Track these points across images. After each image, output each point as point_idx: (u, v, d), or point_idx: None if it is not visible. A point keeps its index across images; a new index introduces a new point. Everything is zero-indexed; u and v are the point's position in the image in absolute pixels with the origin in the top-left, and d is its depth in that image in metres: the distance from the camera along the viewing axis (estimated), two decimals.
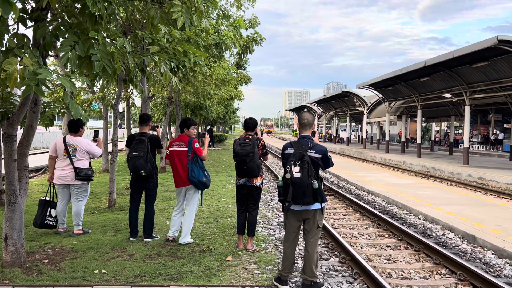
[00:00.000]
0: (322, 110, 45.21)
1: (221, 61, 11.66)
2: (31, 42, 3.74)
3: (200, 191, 5.67)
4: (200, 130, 29.86)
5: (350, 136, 41.47)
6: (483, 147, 30.35)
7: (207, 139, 5.80)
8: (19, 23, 3.70)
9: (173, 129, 29.10)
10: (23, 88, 3.15)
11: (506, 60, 14.75)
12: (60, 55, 3.68)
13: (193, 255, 5.12)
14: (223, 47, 8.92)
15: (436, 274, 5.07)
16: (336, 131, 46.87)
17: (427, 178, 14.76)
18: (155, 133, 6.24)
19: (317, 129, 55.44)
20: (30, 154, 4.95)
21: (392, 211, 8.88)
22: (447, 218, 7.65)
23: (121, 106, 22.65)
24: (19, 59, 3.18)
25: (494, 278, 4.59)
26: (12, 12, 2.87)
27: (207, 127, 36.23)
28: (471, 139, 26.62)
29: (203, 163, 5.58)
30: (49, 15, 3.98)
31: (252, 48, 10.01)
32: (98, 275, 4.35)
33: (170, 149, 5.60)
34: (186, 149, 5.47)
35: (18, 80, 3.05)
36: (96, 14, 3.58)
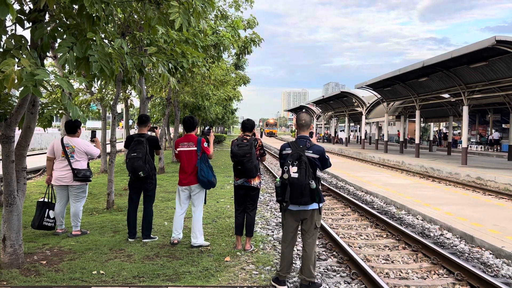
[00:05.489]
0: (320, 110, 45.24)
1: (219, 61, 11.65)
2: (29, 43, 3.74)
3: (205, 190, 5.67)
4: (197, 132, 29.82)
5: (349, 136, 41.50)
6: (481, 147, 30.42)
7: (211, 137, 5.82)
8: (17, 24, 3.70)
9: (171, 129, 29.11)
10: (21, 89, 3.15)
11: (504, 60, 14.78)
12: (58, 56, 3.68)
13: (191, 256, 5.13)
14: (221, 48, 8.91)
15: (434, 274, 5.08)
16: (335, 131, 46.91)
17: (425, 178, 14.79)
18: (153, 134, 6.24)
19: (316, 130, 55.48)
20: (28, 155, 4.95)
21: (390, 211, 8.90)
22: (445, 218, 7.67)
23: (120, 107, 22.67)
24: (17, 60, 3.19)
25: (491, 278, 4.60)
26: (9, 13, 2.87)
27: (207, 127, 36.23)
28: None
29: (209, 162, 5.59)
30: (46, 16, 3.99)
31: (250, 49, 10.01)
32: (96, 276, 4.36)
33: (178, 149, 5.60)
34: (195, 148, 5.48)
35: (16, 81, 3.05)
36: (94, 15, 3.59)
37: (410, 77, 20.50)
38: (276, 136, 79.96)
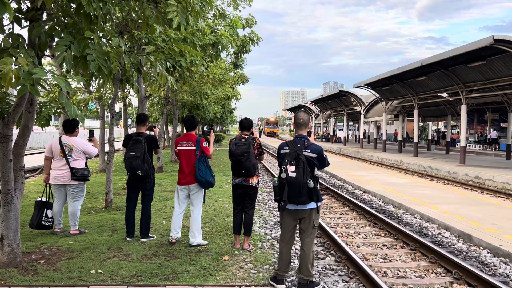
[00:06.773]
0: (319, 109, 45.25)
1: (218, 60, 11.65)
2: (26, 42, 3.73)
3: (203, 189, 5.66)
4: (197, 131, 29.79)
5: (347, 135, 41.55)
6: (479, 146, 30.47)
7: (212, 137, 5.81)
8: (14, 23, 3.69)
9: (170, 129, 29.09)
10: (19, 88, 3.14)
11: (502, 59, 14.80)
12: (56, 55, 3.67)
13: (189, 255, 5.13)
14: (220, 47, 8.91)
15: (432, 273, 5.09)
16: (334, 130, 46.94)
17: (423, 177, 14.81)
18: (152, 133, 6.24)
19: (314, 129, 55.37)
20: (26, 154, 4.95)
21: (388, 210, 8.91)
22: (443, 217, 7.68)
23: (118, 106, 22.63)
24: (14, 59, 3.18)
25: (489, 276, 4.61)
26: (6, 12, 2.86)
27: (205, 127, 36.20)
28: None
29: (208, 162, 5.58)
30: (44, 15, 3.98)
31: (249, 48, 10.01)
32: (94, 275, 4.35)
33: (177, 148, 5.59)
34: (194, 148, 5.47)
35: (13, 80, 3.04)
36: (92, 14, 3.59)
37: (408, 76, 20.52)
38: (278, 135, 73.31)
